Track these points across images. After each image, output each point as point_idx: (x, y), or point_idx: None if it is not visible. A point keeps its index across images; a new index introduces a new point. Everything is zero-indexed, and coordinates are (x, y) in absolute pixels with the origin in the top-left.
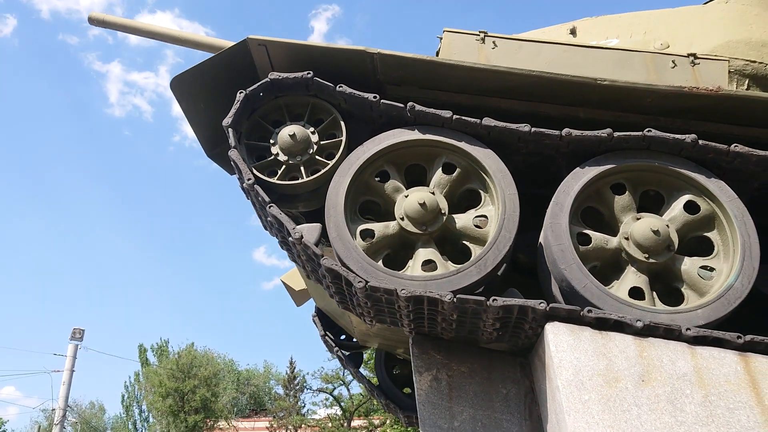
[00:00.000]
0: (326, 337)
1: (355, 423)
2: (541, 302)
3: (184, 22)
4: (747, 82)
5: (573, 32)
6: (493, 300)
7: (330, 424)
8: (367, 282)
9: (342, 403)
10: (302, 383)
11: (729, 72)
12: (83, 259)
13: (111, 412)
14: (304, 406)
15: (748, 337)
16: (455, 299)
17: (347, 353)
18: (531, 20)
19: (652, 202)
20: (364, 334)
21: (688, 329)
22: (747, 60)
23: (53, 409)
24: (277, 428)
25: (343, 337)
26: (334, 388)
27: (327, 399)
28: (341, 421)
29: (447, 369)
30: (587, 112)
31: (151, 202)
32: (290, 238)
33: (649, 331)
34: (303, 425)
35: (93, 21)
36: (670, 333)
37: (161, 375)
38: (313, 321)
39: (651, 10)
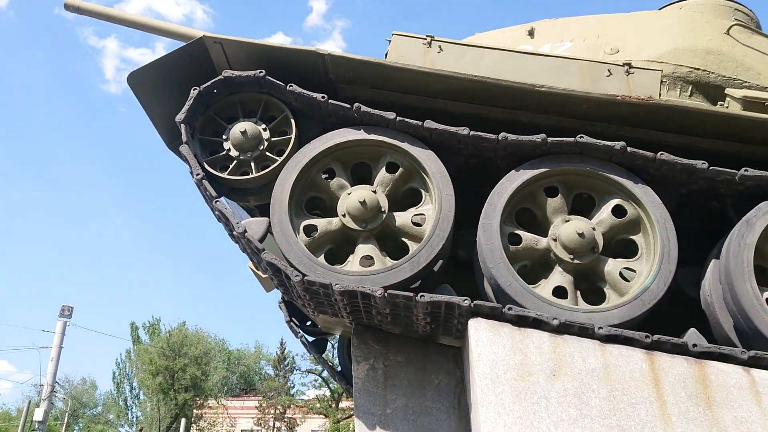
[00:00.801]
0: (291, 323)
1: (343, 404)
2: (465, 299)
3: None
4: (690, 88)
5: (531, 33)
6: (421, 296)
7: (318, 405)
8: (303, 276)
9: (331, 385)
10: (292, 364)
11: (674, 78)
12: (77, 236)
13: (103, 388)
14: (294, 387)
15: (656, 337)
16: (386, 294)
17: (312, 339)
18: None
19: (588, 205)
20: (326, 321)
21: (600, 328)
22: (691, 67)
23: (41, 385)
24: (266, 408)
25: (309, 323)
26: (323, 370)
27: (316, 380)
28: (329, 402)
29: (384, 359)
30: (528, 116)
31: (146, 179)
32: (235, 232)
33: (565, 328)
34: (291, 405)
35: (69, 7)
36: (584, 331)
37: (152, 353)
38: (279, 307)
39: (608, 14)
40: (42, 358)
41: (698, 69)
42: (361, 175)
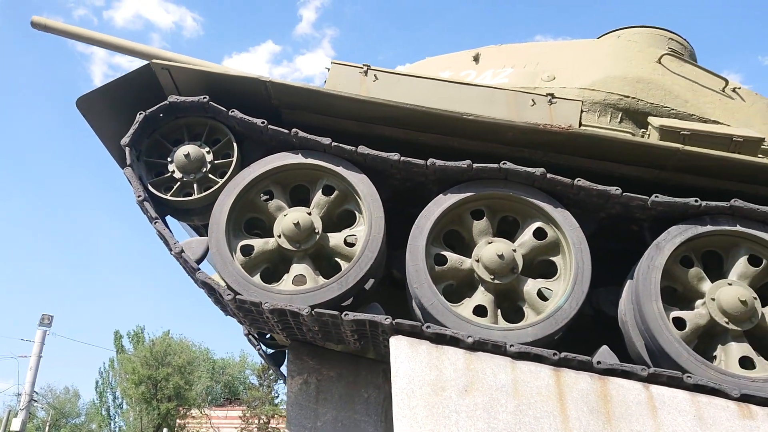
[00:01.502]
0: (249, 336)
1: None
2: (387, 318)
3: (171, 6)
4: (620, 115)
5: (476, 59)
6: (346, 314)
7: None
8: (235, 295)
9: None
10: (276, 373)
11: (605, 105)
12: (59, 243)
13: (86, 398)
14: (278, 396)
15: (563, 354)
16: (313, 312)
17: (270, 351)
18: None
19: (514, 227)
20: None
21: (512, 345)
22: (621, 95)
23: (18, 394)
24: (250, 418)
25: (268, 335)
26: None
27: None
28: None
29: (317, 374)
30: (460, 142)
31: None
32: (172, 252)
33: (480, 346)
34: (275, 415)
35: (36, 26)
36: (497, 348)
37: (135, 362)
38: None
39: (550, 42)
40: (21, 367)
41: (628, 96)
42: (304, 196)
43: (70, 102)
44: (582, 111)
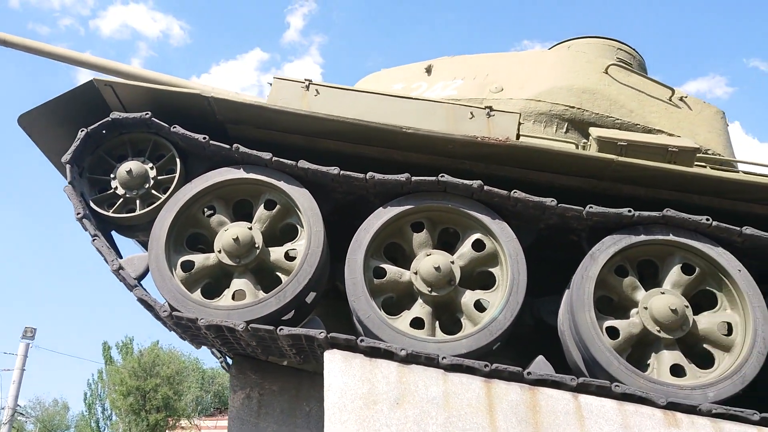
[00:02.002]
0: (213, 349)
1: None
2: (321, 332)
3: (158, 14)
4: (566, 125)
5: (428, 70)
6: (280, 329)
7: None
8: (171, 312)
9: None
10: None
11: (551, 116)
12: (46, 254)
13: (75, 410)
14: None
15: (494, 366)
16: (249, 328)
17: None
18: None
19: (456, 239)
20: None
21: (444, 357)
22: (567, 105)
23: (2, 408)
24: None
25: None
26: None
27: None
28: None
29: (260, 388)
30: (402, 155)
31: None
32: (110, 269)
33: (413, 359)
34: None
35: None
36: (430, 361)
37: (123, 373)
38: None
39: (501, 53)
40: (4, 381)
41: (573, 107)
42: (249, 211)
43: None
44: (520, 123)
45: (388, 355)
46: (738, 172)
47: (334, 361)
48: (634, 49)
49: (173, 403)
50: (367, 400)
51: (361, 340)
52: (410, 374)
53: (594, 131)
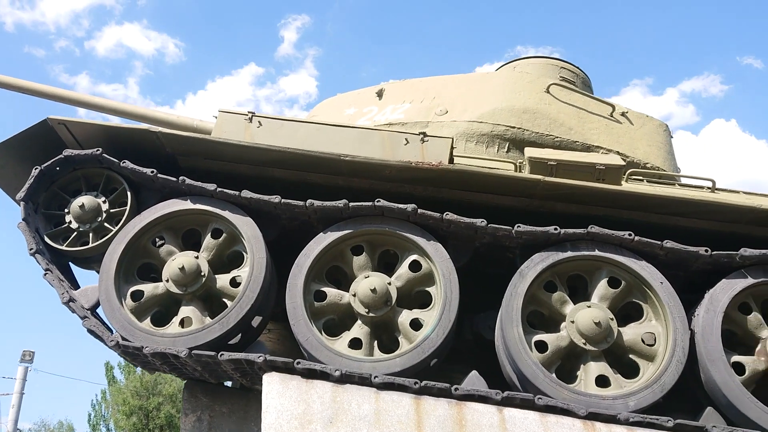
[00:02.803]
0: None
1: None
2: (260, 356)
3: (152, 33)
4: (507, 145)
5: (379, 94)
6: (221, 355)
7: None
8: (117, 341)
9: None
10: None
11: (492, 137)
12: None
13: (81, 431)
14: None
15: (423, 383)
16: (192, 354)
17: None
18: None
19: (396, 260)
20: None
21: (376, 377)
22: (507, 126)
23: None
24: None
25: None
26: None
27: None
28: None
29: (210, 410)
30: (345, 180)
31: None
32: (61, 302)
33: (347, 378)
34: None
35: None
36: (363, 380)
37: (125, 393)
38: None
39: (449, 75)
40: (4, 406)
41: (514, 127)
42: (199, 239)
43: None
44: (453, 147)
45: (324, 376)
46: (674, 184)
47: (272, 383)
48: (577, 67)
49: (176, 421)
50: (302, 420)
51: (298, 363)
52: (344, 394)
53: (528, 152)
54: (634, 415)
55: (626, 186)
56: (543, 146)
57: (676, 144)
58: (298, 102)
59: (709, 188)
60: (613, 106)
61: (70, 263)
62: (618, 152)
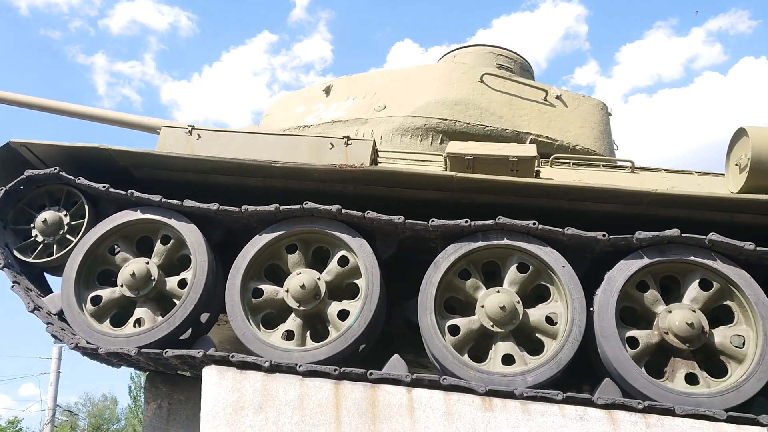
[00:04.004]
0: None
1: None
2: (199, 351)
3: (164, 7)
4: (441, 137)
5: (327, 91)
6: (166, 352)
7: None
8: (76, 344)
9: None
10: None
11: (426, 130)
12: None
13: (124, 403)
14: None
15: (342, 369)
16: (141, 352)
17: None
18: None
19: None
20: None
21: (300, 366)
22: (440, 118)
23: (43, 410)
24: None
25: None
26: None
27: None
28: None
29: (169, 398)
30: (282, 183)
31: None
32: (27, 310)
33: (275, 368)
34: None
35: None
36: (290, 369)
37: None
38: None
39: (391, 69)
40: (41, 384)
41: (446, 119)
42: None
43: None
44: (375, 149)
45: (256, 366)
46: (599, 166)
47: (210, 375)
48: (515, 53)
49: None
50: (235, 407)
51: (233, 356)
52: (273, 382)
53: (449, 147)
54: (528, 390)
55: (529, 179)
56: (474, 136)
57: (703, 86)
58: (314, 68)
59: (630, 168)
60: (547, 90)
61: (44, 272)
62: (547, 137)
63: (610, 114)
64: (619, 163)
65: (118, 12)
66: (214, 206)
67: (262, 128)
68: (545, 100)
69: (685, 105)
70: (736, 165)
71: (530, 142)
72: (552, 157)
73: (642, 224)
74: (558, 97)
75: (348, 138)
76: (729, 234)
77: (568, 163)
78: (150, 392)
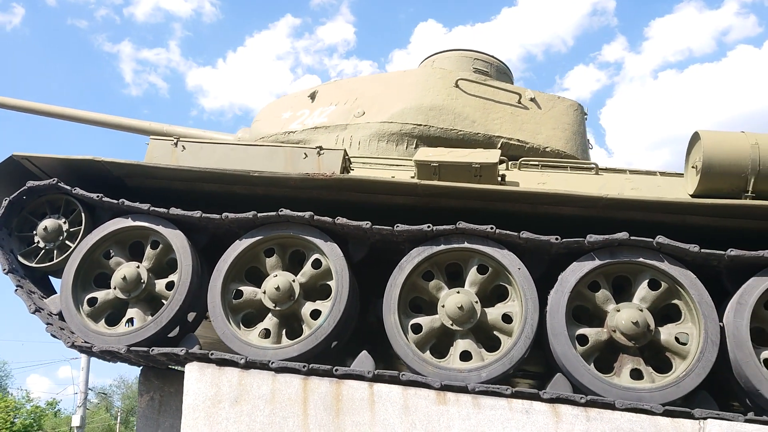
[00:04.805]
0: None
1: None
2: (182, 349)
3: None
4: (416, 142)
5: (312, 96)
6: (152, 350)
7: None
8: (72, 342)
9: None
10: None
11: (401, 135)
12: None
13: None
14: None
15: (311, 366)
16: (130, 350)
17: None
18: None
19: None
20: None
21: (273, 362)
22: (415, 124)
23: (75, 393)
24: None
25: None
26: None
27: None
28: None
29: (161, 391)
30: (263, 190)
31: None
32: (29, 312)
33: (250, 365)
34: None
35: None
36: (264, 366)
37: None
38: None
39: (374, 75)
40: (76, 368)
41: (421, 125)
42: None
43: (108, 104)
44: (347, 158)
45: (233, 363)
46: (566, 168)
47: (192, 371)
48: (492, 56)
49: None
50: (213, 401)
51: (212, 354)
52: (248, 377)
53: (417, 154)
54: (480, 385)
55: (487, 185)
56: (448, 141)
57: (736, 59)
58: (337, 50)
59: (594, 170)
60: (521, 93)
61: (49, 276)
62: (518, 140)
63: (585, 114)
64: (585, 165)
65: (143, 0)
66: (197, 214)
67: (253, 132)
68: (519, 102)
69: (717, 79)
70: (693, 167)
71: (501, 146)
72: (521, 160)
73: (601, 226)
74: (532, 100)
75: (320, 148)
76: (683, 235)
77: (537, 165)
78: (143, 385)
